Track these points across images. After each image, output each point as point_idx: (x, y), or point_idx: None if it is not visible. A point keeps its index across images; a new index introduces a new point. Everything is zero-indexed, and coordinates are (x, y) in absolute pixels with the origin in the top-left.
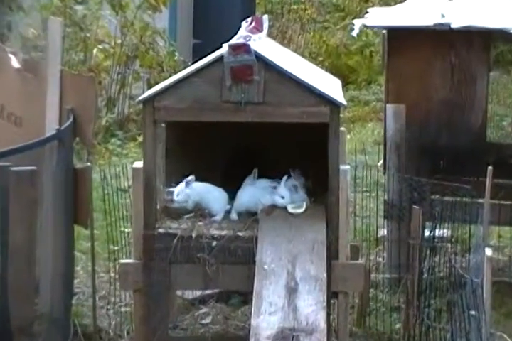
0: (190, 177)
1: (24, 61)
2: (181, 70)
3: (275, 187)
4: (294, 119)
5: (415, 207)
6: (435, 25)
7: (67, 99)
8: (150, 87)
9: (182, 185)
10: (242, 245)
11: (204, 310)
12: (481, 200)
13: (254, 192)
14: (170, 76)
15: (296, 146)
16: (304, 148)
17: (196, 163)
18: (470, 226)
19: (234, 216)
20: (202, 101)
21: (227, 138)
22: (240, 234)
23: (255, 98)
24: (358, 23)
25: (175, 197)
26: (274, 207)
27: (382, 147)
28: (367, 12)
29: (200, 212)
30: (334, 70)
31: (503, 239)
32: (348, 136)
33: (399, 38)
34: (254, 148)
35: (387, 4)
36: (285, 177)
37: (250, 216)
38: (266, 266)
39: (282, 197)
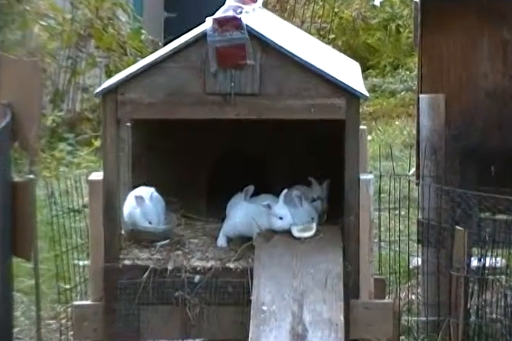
0: (140, 193)
1: None
2: (150, 53)
3: (269, 206)
4: (298, 115)
5: (459, 227)
6: None
7: (3, 91)
8: (109, 75)
9: (131, 202)
10: (234, 280)
11: None
12: None
13: (248, 211)
14: (135, 61)
15: (305, 149)
16: (316, 151)
17: (173, 174)
18: None
19: (222, 242)
20: (179, 93)
21: (213, 141)
22: (230, 265)
23: (249, 88)
24: None
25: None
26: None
27: (414, 151)
28: None
29: (178, 238)
30: (350, 51)
31: None
32: (370, 137)
33: (436, 7)
34: (249, 152)
35: None
36: (284, 191)
37: (243, 242)
38: (265, 307)
39: (280, 218)
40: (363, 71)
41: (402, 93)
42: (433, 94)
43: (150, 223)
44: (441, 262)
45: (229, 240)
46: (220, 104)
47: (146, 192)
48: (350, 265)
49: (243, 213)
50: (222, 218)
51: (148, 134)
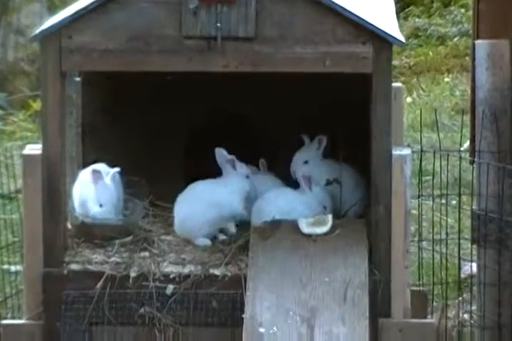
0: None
1: None
2: None
3: (232, 162)
4: (309, 67)
5: None
6: None
7: None
8: (53, 12)
9: (83, 182)
10: (220, 292)
11: None
12: None
13: (205, 196)
14: None
15: (317, 114)
16: (335, 115)
17: (137, 148)
18: None
19: (204, 240)
20: (147, 36)
21: (191, 103)
22: (215, 272)
23: (241, 30)
24: None
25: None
26: (276, 223)
27: (468, 118)
28: None
29: (144, 233)
30: None
31: None
32: (409, 99)
33: None
34: (238, 117)
35: None
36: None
37: (233, 236)
38: (262, 329)
39: (247, 177)
40: (402, 8)
41: (455, 39)
42: (494, 39)
43: (101, 206)
44: (503, 269)
45: (212, 237)
46: (203, 52)
47: (107, 169)
48: (379, 272)
49: (199, 201)
50: None
51: (105, 93)
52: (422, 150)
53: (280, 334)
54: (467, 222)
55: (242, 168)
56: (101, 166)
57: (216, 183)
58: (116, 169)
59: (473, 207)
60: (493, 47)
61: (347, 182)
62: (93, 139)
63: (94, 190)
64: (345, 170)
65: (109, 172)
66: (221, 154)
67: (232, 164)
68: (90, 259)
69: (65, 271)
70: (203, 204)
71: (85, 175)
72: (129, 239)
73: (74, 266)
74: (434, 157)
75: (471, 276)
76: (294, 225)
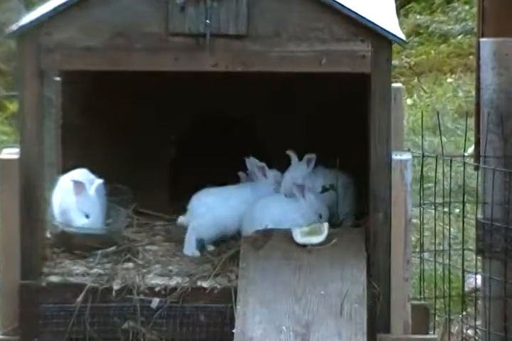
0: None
1: None
2: None
3: (263, 169)
4: (303, 67)
5: None
6: None
7: None
8: (31, 7)
9: (64, 189)
10: (209, 306)
11: None
12: None
13: (226, 204)
14: None
15: (313, 116)
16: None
17: (121, 152)
18: None
19: (193, 249)
20: (131, 33)
21: (179, 104)
22: (203, 284)
23: (232, 27)
24: None
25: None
26: (268, 232)
27: (472, 121)
28: None
29: (128, 243)
30: None
31: None
32: (410, 101)
33: None
34: (231, 118)
35: None
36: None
37: (223, 247)
38: None
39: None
40: (402, 5)
41: (459, 37)
42: (500, 37)
43: (87, 217)
44: (509, 281)
45: (202, 246)
46: (190, 50)
47: (88, 177)
48: (378, 284)
49: (218, 206)
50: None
51: (86, 94)
52: (423, 155)
53: None
54: (471, 232)
55: (273, 175)
56: (82, 172)
57: (246, 190)
58: (100, 180)
59: (478, 216)
60: (498, 45)
61: (343, 190)
62: (73, 142)
63: (76, 200)
64: (340, 178)
65: (91, 180)
66: (252, 162)
67: (262, 172)
68: (70, 271)
69: (44, 283)
70: (228, 207)
71: (66, 181)
72: (111, 249)
73: (53, 278)
74: (437, 162)
75: (476, 289)
76: (287, 234)
